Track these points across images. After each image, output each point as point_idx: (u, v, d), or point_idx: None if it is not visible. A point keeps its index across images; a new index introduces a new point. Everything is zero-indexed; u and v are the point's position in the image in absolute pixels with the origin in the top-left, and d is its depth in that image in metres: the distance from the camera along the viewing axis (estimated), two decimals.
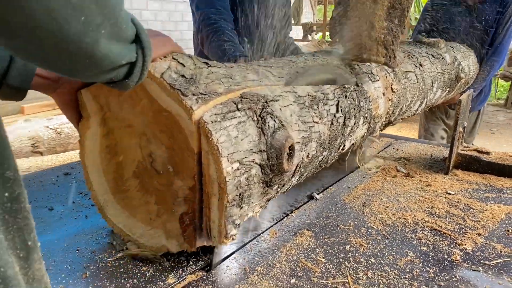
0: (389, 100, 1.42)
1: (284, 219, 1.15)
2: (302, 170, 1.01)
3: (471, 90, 1.73)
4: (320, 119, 1.03)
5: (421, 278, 0.89)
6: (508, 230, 1.13)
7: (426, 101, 1.83)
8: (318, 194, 1.31)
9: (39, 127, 4.08)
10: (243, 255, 0.96)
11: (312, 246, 1.01)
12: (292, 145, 0.87)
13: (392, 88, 1.43)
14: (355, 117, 1.20)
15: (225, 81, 0.84)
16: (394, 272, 0.91)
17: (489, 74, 2.69)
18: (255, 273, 0.89)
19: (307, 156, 0.99)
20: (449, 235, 1.09)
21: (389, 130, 2.03)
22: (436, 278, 0.90)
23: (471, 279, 0.90)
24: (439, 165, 1.64)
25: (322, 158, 1.11)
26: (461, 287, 0.87)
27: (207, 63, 0.85)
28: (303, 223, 1.13)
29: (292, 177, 0.96)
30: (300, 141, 0.94)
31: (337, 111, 1.11)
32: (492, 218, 1.20)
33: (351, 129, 1.21)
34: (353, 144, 1.31)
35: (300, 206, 1.23)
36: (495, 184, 1.46)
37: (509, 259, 0.99)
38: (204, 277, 0.87)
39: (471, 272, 0.93)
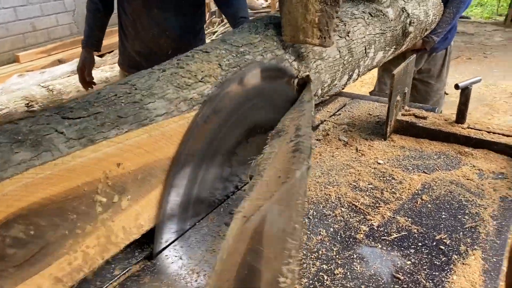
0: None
1: (224, 204, 1.33)
2: None
3: (413, 56, 1.81)
4: None
5: (323, 257, 1.09)
6: (417, 202, 1.31)
7: (360, 71, 1.83)
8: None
9: (32, 82, 4.21)
10: (182, 243, 1.16)
11: None
12: None
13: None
14: None
15: None
16: (303, 252, 1.11)
17: (455, 16, 2.64)
18: (194, 260, 1.09)
19: None
20: (363, 210, 1.27)
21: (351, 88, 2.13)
22: (337, 256, 1.09)
23: (367, 256, 1.10)
24: (382, 128, 1.78)
25: None
26: (355, 264, 1.07)
27: None
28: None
29: None
30: None
31: None
32: (408, 189, 1.37)
33: None
34: None
35: (241, 186, 1.41)
36: (425, 149, 1.62)
37: (406, 233, 1.18)
38: (145, 267, 1.07)
39: (368, 249, 1.12)
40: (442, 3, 2.59)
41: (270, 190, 0.96)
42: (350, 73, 1.77)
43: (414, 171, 1.47)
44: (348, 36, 1.69)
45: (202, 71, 1.14)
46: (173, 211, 1.14)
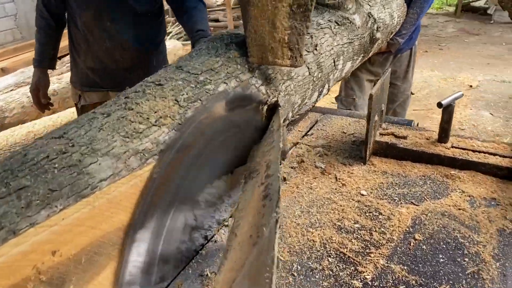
0: None
1: (193, 262, 1.14)
2: None
3: (388, 71, 1.67)
4: None
5: None
6: (410, 243, 1.17)
7: (330, 85, 1.68)
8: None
9: None
10: None
11: None
12: None
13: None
14: None
15: None
16: None
17: (419, 16, 2.56)
18: None
19: None
20: (353, 259, 1.12)
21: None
22: None
23: None
24: (359, 149, 1.64)
25: None
26: None
27: None
28: (212, 265, 1.13)
29: None
30: None
31: None
32: (398, 226, 1.23)
33: None
34: None
35: (212, 235, 1.23)
36: (409, 173, 1.49)
37: (404, 286, 1.03)
38: None
39: None
40: (405, 4, 2.50)
41: (242, 257, 0.80)
42: (320, 89, 1.60)
43: (402, 203, 1.34)
44: (316, 49, 1.51)
45: (155, 111, 0.94)
46: (133, 278, 0.95)
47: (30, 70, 5.37)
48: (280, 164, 1.44)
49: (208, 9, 9.88)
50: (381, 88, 1.53)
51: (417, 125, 1.91)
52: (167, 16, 8.82)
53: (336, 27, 1.66)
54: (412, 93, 3.14)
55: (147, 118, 0.92)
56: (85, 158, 0.80)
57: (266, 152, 1.12)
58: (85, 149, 0.81)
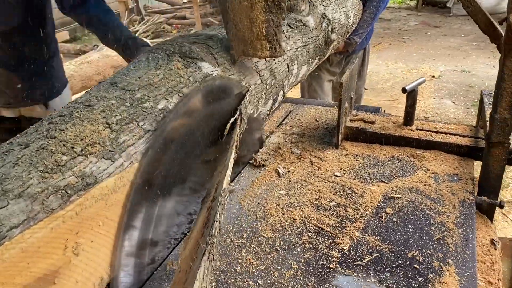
0: None
1: (184, 239, 1.21)
2: None
3: (356, 60, 1.77)
4: None
5: None
6: (382, 216, 1.27)
7: (285, 91, 1.64)
8: None
9: None
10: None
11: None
12: None
13: None
14: None
15: None
16: None
17: (376, 15, 2.57)
18: None
19: None
20: (331, 233, 1.21)
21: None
22: None
23: (344, 286, 1.04)
24: (331, 135, 1.74)
25: None
26: None
27: None
28: None
29: None
30: None
31: None
32: (371, 202, 1.34)
33: None
34: None
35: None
36: (378, 155, 1.60)
37: (378, 254, 1.13)
38: None
39: (344, 278, 1.06)
40: (361, 2, 2.51)
41: None
42: (275, 97, 1.57)
43: (373, 182, 1.44)
44: None
45: (82, 139, 0.83)
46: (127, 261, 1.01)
47: None
48: (252, 159, 1.50)
49: (175, 7, 9.83)
50: (350, 76, 1.63)
51: (384, 111, 2.02)
52: (133, 14, 8.75)
53: (289, 30, 1.61)
54: (365, 88, 3.22)
55: (71, 147, 0.81)
56: None
57: (219, 171, 1.12)
58: None
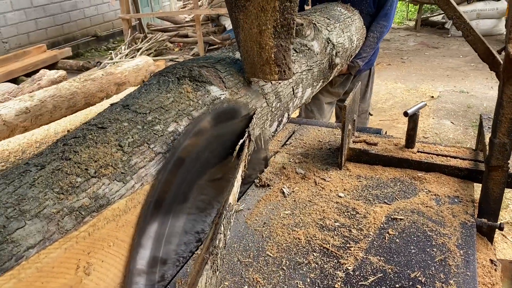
0: None
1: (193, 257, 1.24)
2: None
3: (359, 84, 1.82)
4: None
5: None
6: (385, 237, 1.31)
7: (289, 113, 1.70)
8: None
9: None
10: None
11: None
12: None
13: None
14: None
15: None
16: None
17: (379, 40, 2.63)
18: None
19: None
20: (335, 253, 1.24)
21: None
22: None
23: None
24: (335, 156, 1.78)
25: None
26: None
27: None
28: None
29: None
30: None
31: None
32: (374, 223, 1.37)
33: None
34: None
35: None
36: (381, 177, 1.63)
37: (381, 274, 1.16)
38: None
39: None
40: (364, 27, 2.57)
41: None
42: (280, 119, 1.62)
43: (375, 203, 1.48)
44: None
45: (95, 161, 0.85)
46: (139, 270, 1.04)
47: (1, 86, 5.32)
48: (262, 173, 1.52)
49: (177, 25, 9.95)
50: (353, 100, 1.68)
51: (386, 133, 2.07)
52: (136, 32, 8.86)
53: (294, 54, 1.65)
54: (370, 114, 3.21)
55: (86, 169, 0.83)
56: (11, 222, 0.70)
57: (228, 189, 1.17)
58: (12, 211, 0.71)
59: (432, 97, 5.82)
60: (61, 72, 5.67)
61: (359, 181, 1.61)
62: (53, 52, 7.76)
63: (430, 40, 9.18)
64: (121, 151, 0.90)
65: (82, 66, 7.52)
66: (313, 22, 1.88)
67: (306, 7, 2.90)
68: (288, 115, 1.68)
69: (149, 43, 8.02)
